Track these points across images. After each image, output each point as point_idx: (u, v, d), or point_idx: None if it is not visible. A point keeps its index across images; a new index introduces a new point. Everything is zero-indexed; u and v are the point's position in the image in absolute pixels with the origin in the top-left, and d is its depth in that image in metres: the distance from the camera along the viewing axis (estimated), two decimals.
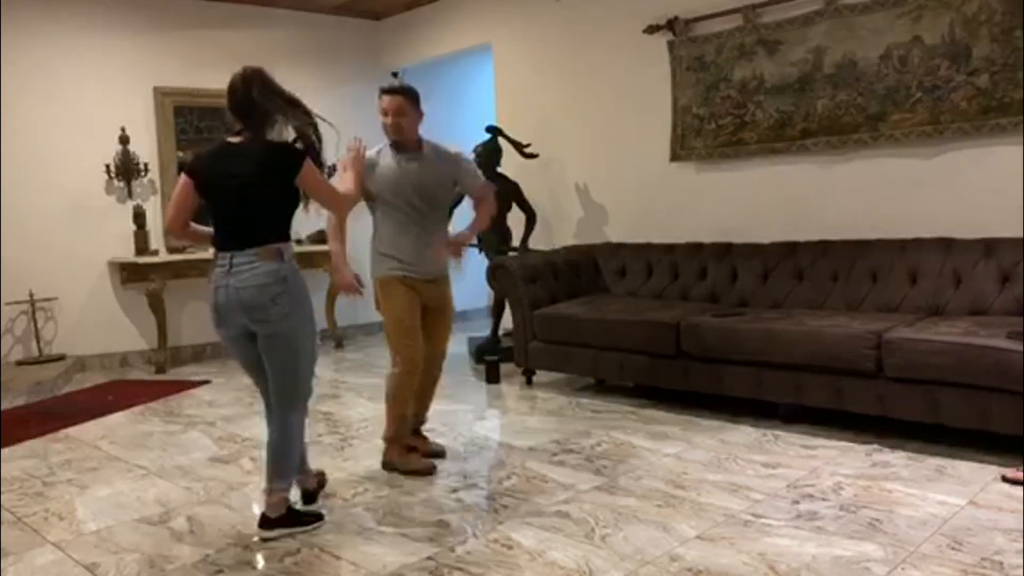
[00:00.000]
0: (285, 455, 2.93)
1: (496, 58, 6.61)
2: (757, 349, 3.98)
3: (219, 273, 2.83)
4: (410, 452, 3.62)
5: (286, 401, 2.91)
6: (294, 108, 2.86)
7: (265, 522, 2.90)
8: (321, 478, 3.32)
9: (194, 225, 2.97)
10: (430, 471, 3.52)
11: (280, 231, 2.87)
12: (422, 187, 3.51)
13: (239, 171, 2.79)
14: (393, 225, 3.53)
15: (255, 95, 2.77)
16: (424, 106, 3.59)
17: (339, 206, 3.14)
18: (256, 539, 2.88)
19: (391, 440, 3.61)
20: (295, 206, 2.93)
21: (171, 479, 3.61)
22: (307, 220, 6.92)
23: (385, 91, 3.52)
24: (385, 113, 3.49)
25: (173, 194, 2.96)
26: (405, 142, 3.53)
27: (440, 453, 3.73)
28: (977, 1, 4.05)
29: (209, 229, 2.93)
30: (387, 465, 3.60)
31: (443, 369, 3.78)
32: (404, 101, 3.48)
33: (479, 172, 3.87)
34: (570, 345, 4.82)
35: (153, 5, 6.55)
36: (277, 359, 2.86)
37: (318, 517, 3.00)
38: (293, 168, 2.81)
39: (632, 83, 5.61)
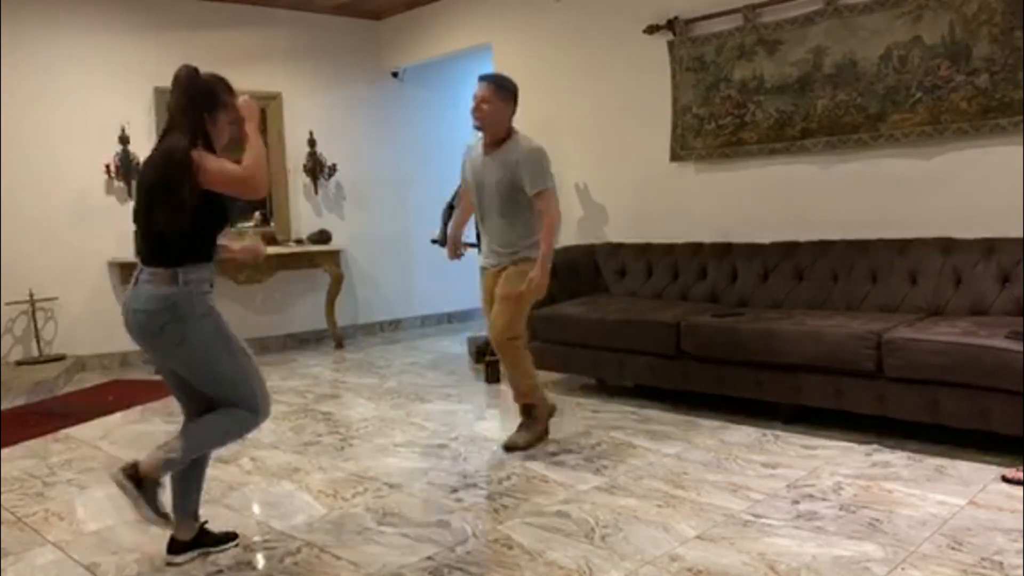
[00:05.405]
0: (193, 431, 2.63)
1: (496, 58, 6.60)
2: (757, 349, 3.98)
3: (131, 284, 2.62)
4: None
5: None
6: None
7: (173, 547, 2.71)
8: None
9: None
10: None
11: (183, 250, 2.49)
12: (484, 185, 3.75)
13: (142, 178, 2.56)
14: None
15: (175, 94, 2.53)
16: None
17: (247, 185, 2.45)
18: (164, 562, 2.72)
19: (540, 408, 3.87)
20: (209, 220, 2.51)
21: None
22: (309, 219, 7.16)
23: (479, 78, 3.77)
24: (474, 99, 3.71)
25: None
26: (486, 132, 3.75)
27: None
28: (977, 1, 4.05)
29: None
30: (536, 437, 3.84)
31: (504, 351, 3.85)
32: (488, 89, 3.69)
33: (541, 177, 3.68)
34: (570, 345, 4.82)
35: (153, 5, 6.55)
36: (196, 381, 2.62)
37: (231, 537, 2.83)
38: (181, 173, 2.39)
39: (632, 83, 5.60)
